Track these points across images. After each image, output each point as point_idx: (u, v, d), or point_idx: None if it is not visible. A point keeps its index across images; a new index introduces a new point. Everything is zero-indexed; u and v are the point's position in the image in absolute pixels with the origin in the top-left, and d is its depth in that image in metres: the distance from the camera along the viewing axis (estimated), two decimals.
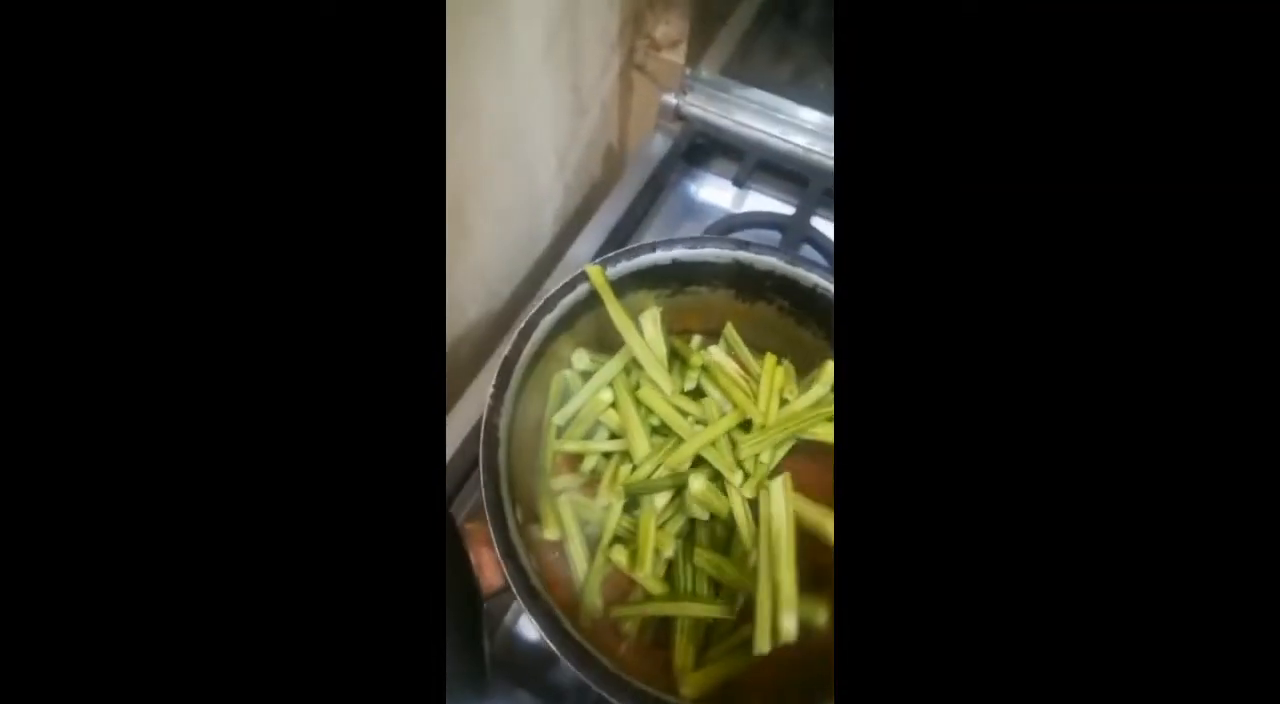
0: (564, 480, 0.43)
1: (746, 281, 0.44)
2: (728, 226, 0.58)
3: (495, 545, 0.34)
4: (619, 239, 0.59)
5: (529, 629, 0.45)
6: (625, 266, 0.42)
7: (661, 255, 0.42)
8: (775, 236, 0.58)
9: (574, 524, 0.41)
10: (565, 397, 0.44)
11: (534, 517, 0.41)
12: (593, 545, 0.41)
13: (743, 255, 0.43)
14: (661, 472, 0.41)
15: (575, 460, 0.44)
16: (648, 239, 0.62)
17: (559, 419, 0.44)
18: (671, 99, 0.63)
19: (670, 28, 0.66)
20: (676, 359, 0.46)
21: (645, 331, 0.42)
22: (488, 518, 0.34)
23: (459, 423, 0.49)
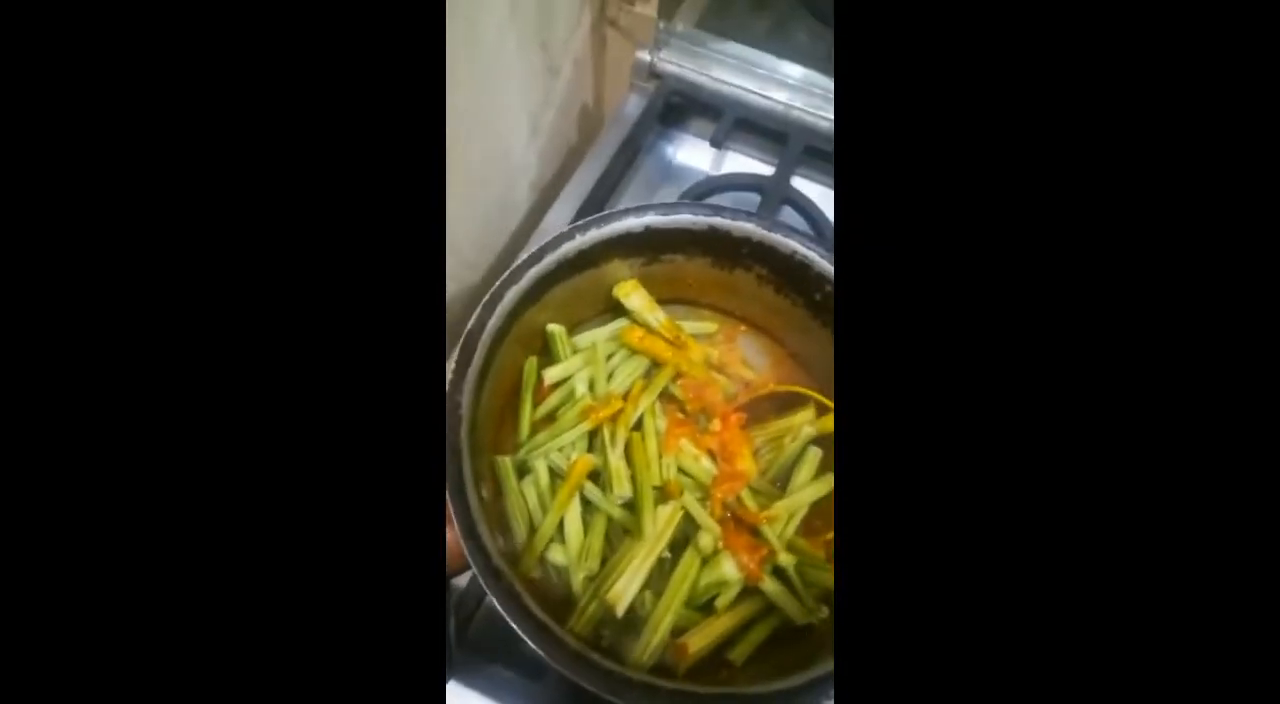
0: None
1: (723, 248, 0.42)
2: (705, 190, 0.55)
3: (456, 523, 0.33)
4: (595, 206, 0.57)
5: None
6: (596, 234, 0.40)
7: (634, 222, 0.41)
8: (755, 199, 0.56)
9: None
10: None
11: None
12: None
13: (718, 221, 0.41)
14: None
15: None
16: (623, 205, 0.60)
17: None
18: (645, 56, 0.61)
19: None
20: None
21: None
22: (449, 495, 0.33)
23: None
